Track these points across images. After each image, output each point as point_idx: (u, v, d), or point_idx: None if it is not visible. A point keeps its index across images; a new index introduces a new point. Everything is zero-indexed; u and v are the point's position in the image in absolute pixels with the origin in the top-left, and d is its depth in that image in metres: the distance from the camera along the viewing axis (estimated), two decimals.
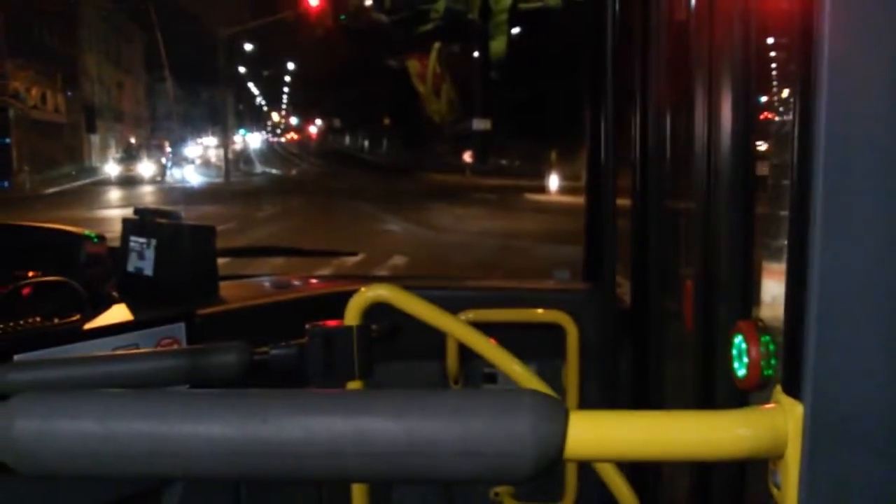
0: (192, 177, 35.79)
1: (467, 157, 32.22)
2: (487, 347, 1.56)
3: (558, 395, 0.68)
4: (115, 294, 1.99)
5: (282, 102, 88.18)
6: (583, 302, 2.26)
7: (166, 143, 40.54)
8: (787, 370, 0.65)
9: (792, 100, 0.65)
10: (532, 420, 0.59)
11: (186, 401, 0.63)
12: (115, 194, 25.84)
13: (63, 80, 36.27)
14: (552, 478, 2.25)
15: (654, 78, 1.93)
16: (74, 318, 1.72)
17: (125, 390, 0.64)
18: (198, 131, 60.51)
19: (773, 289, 1.57)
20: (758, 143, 1.48)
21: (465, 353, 2.11)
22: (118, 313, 1.83)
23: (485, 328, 1.62)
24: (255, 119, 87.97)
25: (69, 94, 36.96)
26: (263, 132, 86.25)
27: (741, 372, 1.34)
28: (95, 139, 40.91)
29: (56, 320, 1.69)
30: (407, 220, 16.66)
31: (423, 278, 3.25)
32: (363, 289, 1.52)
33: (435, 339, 1.92)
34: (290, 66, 70.19)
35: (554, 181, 22.04)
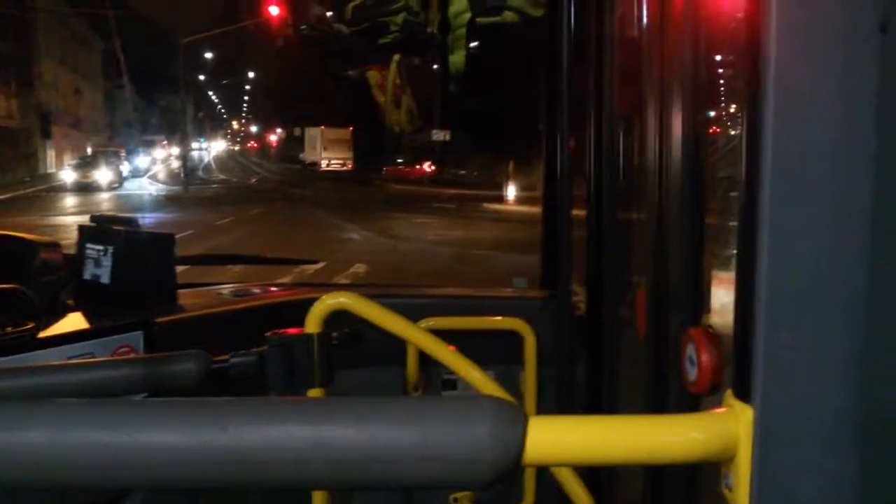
0: (150, 184, 35.23)
1: (426, 167, 32.31)
2: (447, 354, 1.58)
3: (516, 400, 0.70)
4: (70, 302, 1.97)
5: (242, 111, 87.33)
6: (540, 309, 2.29)
7: (123, 151, 39.84)
8: (737, 375, 0.67)
9: (739, 114, 0.68)
10: (491, 426, 0.60)
11: (143, 409, 0.62)
12: (70, 201, 25.29)
13: (18, 85, 35.43)
14: (511, 482, 2.27)
15: (608, 92, 1.98)
16: (28, 327, 1.68)
17: (80, 399, 0.63)
18: (157, 138, 59.54)
19: (722, 297, 1.62)
20: (708, 155, 1.53)
21: (425, 360, 2.12)
22: (74, 321, 1.80)
23: (444, 335, 1.64)
24: (216, 127, 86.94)
25: (23, 98, 36.11)
26: (223, 140, 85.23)
27: (693, 377, 1.39)
28: (51, 145, 40.03)
29: (9, 329, 1.66)
30: (367, 229, 16.62)
31: (383, 286, 3.25)
32: (324, 297, 1.53)
33: (395, 346, 1.93)
34: (251, 74, 69.59)
35: (511, 191, 22.23)
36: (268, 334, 1.48)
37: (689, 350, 1.40)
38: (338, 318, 1.53)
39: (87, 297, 1.98)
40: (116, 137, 51.14)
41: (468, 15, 2.48)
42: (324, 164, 47.64)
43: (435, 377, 2.29)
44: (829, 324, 0.64)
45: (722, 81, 1.76)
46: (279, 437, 0.59)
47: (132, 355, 1.73)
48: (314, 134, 49.87)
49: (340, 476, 0.61)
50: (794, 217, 0.63)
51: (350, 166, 47.36)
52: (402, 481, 0.61)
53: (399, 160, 40.84)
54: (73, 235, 2.10)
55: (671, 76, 1.55)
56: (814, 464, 0.64)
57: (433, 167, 32.91)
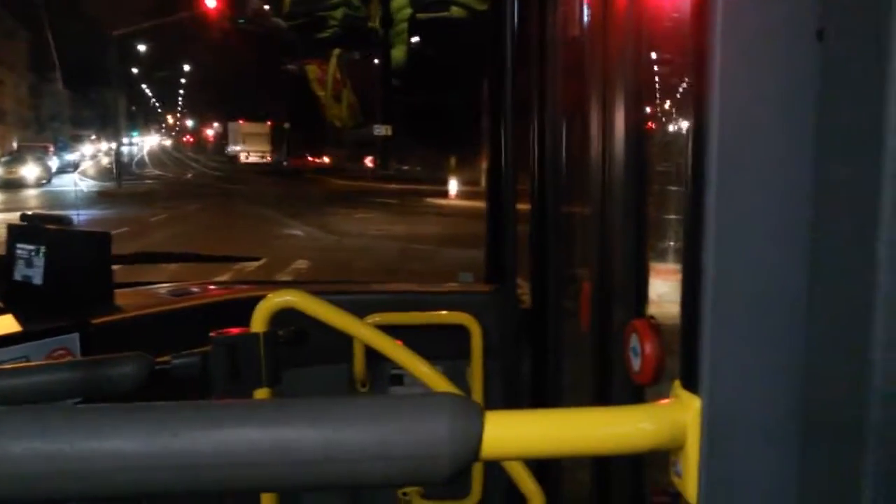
0: (80, 180, 34.13)
1: (369, 162, 32.27)
2: (394, 350, 1.58)
3: (464, 394, 0.70)
4: (0, 304, 1.90)
5: (177, 104, 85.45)
6: (485, 303, 2.31)
7: (52, 146, 38.52)
8: (685, 366, 0.69)
9: (677, 110, 0.70)
10: (450, 422, 0.60)
11: (89, 416, 0.59)
12: None
13: None
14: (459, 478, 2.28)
15: (551, 88, 2.00)
16: None
17: (17, 406, 0.61)
18: (87, 133, 57.77)
19: (660, 288, 1.66)
20: (648, 150, 1.56)
21: (372, 356, 2.12)
22: (5, 324, 1.74)
23: (391, 331, 1.64)
24: (150, 121, 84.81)
25: None
26: (158, 134, 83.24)
27: (636, 367, 1.42)
28: None
29: None
30: (309, 225, 16.44)
31: (328, 283, 3.23)
32: (270, 294, 1.51)
33: (341, 343, 1.92)
34: (187, 68, 68.09)
35: (454, 186, 22.31)
36: (212, 334, 1.45)
37: (633, 341, 1.43)
38: (283, 315, 1.51)
39: (18, 300, 1.91)
40: (44, 132, 49.46)
41: (409, 10, 2.48)
42: (242, 156, 49.88)
43: (382, 373, 2.29)
44: (774, 317, 0.66)
45: (661, 79, 1.80)
46: (234, 440, 0.58)
47: (69, 359, 1.68)
48: (235, 128, 52.20)
49: (299, 478, 0.60)
50: (739, 211, 0.64)
51: (269, 159, 49.46)
52: (360, 480, 0.60)
53: (307, 154, 45.18)
54: (2, 235, 2.02)
55: (613, 73, 1.57)
56: (759, 453, 0.66)
57: (375, 163, 33.02)
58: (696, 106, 0.66)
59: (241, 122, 51.85)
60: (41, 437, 0.57)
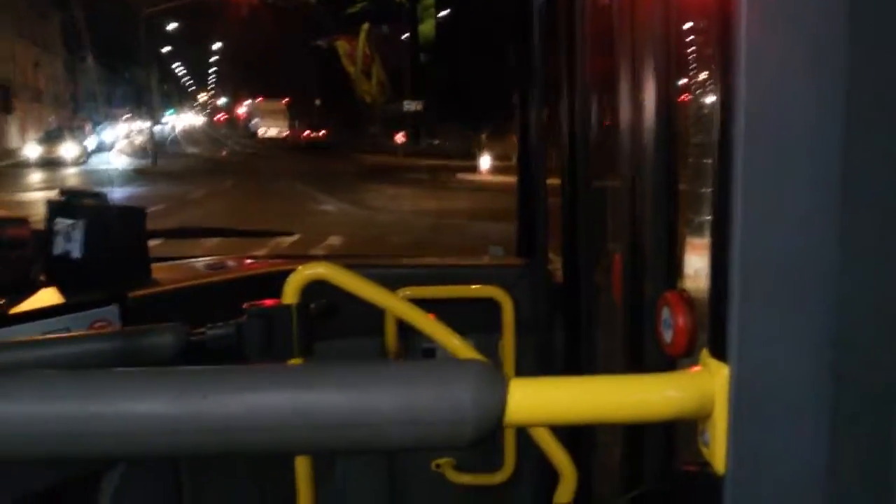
0: (117, 159, 34.61)
1: (400, 137, 32.26)
2: (426, 323, 1.58)
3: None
4: (42, 278, 1.94)
5: (209, 83, 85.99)
6: (517, 277, 2.31)
7: (88, 124, 39.05)
8: (713, 334, 0.68)
9: (711, 82, 0.69)
10: (472, 387, 0.61)
11: (124, 379, 0.62)
12: (36, 177, 24.78)
13: None
14: (492, 449, 2.31)
15: (580, 60, 1.98)
16: None
17: (60, 370, 0.63)
18: (122, 112, 58.53)
19: (696, 262, 1.65)
20: (680, 122, 1.54)
21: (404, 329, 2.13)
22: (47, 297, 1.78)
23: (422, 304, 1.65)
24: (183, 100, 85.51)
25: None
26: (191, 112, 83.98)
27: (669, 339, 1.41)
28: (13, 120, 39.12)
29: None
30: (342, 201, 16.53)
31: (360, 257, 3.25)
32: (301, 267, 1.52)
33: (373, 316, 1.94)
34: (218, 45, 68.41)
35: (485, 161, 22.20)
36: (245, 306, 1.47)
37: (665, 313, 1.42)
38: (315, 289, 1.53)
39: (59, 273, 1.95)
40: (80, 111, 50.15)
41: None
42: (261, 131, 53.83)
43: (414, 346, 2.31)
44: (803, 284, 0.65)
45: (693, 48, 1.77)
46: (261, 403, 0.60)
47: (108, 329, 1.72)
48: (255, 105, 57.40)
49: (323, 441, 0.61)
50: (768, 183, 0.63)
51: (285, 135, 52.69)
52: (385, 444, 0.62)
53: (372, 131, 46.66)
54: (41, 212, 2.06)
55: (643, 44, 1.55)
56: (788, 421, 0.66)
57: (405, 138, 33.06)
58: (722, 77, 0.65)
59: (259, 99, 56.35)
60: (82, 399, 0.59)
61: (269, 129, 53.95)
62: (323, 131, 46.87)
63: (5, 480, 1.56)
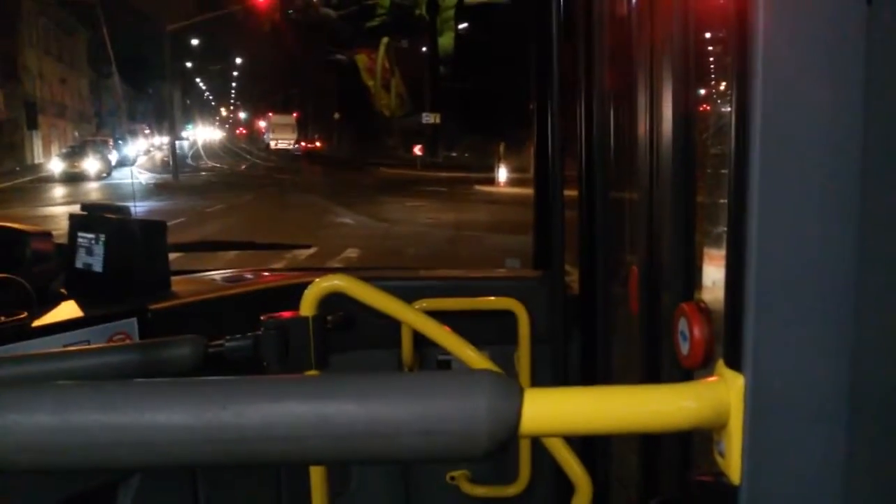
0: (139, 173, 34.99)
1: (418, 150, 32.43)
2: (442, 335, 1.58)
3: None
4: (63, 291, 1.96)
5: (230, 97, 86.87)
6: (533, 289, 2.31)
7: (111, 139, 39.56)
8: (728, 345, 0.68)
9: (729, 91, 0.68)
10: (488, 398, 0.61)
11: (144, 390, 0.62)
12: (59, 191, 25.13)
13: (3, 77, 35.12)
14: (506, 461, 2.29)
15: (598, 71, 1.98)
16: (22, 316, 1.68)
17: (81, 382, 0.64)
18: (144, 127, 59.39)
19: (713, 273, 1.64)
20: (698, 132, 1.53)
21: (420, 341, 2.13)
22: (68, 310, 1.80)
23: (438, 317, 1.65)
24: (204, 114, 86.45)
25: (8, 89, 35.83)
26: (212, 127, 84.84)
27: (685, 351, 1.40)
28: (38, 135, 39.75)
29: (2, 318, 1.66)
30: (359, 213, 16.59)
31: (377, 269, 3.26)
32: (318, 279, 1.53)
33: (389, 328, 1.94)
34: (238, 60, 69.27)
35: (502, 173, 22.21)
36: (263, 318, 1.48)
37: (682, 325, 1.41)
38: (332, 301, 1.53)
39: (80, 286, 1.97)
40: (103, 127, 50.86)
41: None
42: (272, 143, 57.34)
43: (430, 358, 2.30)
44: (819, 294, 0.64)
45: (712, 58, 1.77)
46: (279, 413, 0.60)
47: (127, 342, 1.73)
48: (268, 119, 60.91)
49: (341, 451, 0.61)
50: (784, 193, 0.63)
51: (296, 146, 56.63)
52: (401, 455, 0.62)
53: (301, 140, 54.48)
54: (64, 226, 2.09)
55: (661, 53, 1.55)
56: (803, 431, 0.65)
57: (423, 150, 33.30)
58: (738, 88, 0.64)
59: (270, 114, 60.70)
60: (103, 410, 0.60)
61: (280, 142, 56.93)
62: (318, 143, 53.32)
63: (24, 491, 1.58)
